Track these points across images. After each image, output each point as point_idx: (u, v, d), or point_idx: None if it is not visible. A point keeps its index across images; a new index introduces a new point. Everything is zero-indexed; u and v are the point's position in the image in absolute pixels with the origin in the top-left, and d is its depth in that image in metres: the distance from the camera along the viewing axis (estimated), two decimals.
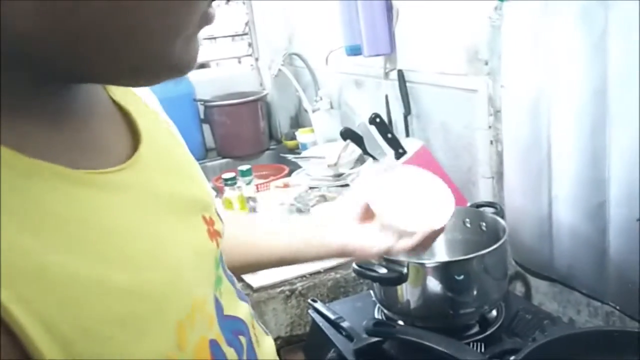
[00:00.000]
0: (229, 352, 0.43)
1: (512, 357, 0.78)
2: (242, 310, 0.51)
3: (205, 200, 0.50)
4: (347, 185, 1.69)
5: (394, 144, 1.29)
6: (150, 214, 0.40)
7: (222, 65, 2.52)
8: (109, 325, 0.33)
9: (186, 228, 0.44)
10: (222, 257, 0.52)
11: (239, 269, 0.79)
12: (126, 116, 0.45)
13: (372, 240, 0.76)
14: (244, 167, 1.64)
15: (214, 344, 0.41)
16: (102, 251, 0.34)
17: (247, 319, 0.51)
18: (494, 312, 1.02)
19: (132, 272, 0.36)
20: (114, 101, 0.46)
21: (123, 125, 0.45)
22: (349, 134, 1.33)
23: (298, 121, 2.41)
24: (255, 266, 0.82)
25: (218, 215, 0.53)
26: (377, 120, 1.29)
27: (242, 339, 0.47)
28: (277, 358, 0.57)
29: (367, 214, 0.78)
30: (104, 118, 0.42)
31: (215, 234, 0.49)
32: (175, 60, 0.37)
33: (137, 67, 0.36)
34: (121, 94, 0.46)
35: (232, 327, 0.46)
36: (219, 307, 0.45)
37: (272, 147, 2.34)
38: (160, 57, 0.36)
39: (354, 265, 0.97)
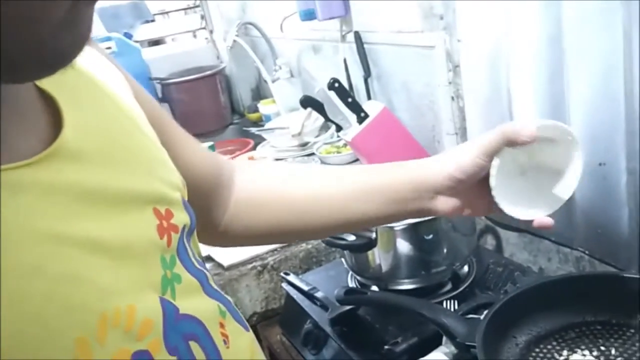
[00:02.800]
0: None
1: (485, 312, 0.78)
2: (207, 308, 0.46)
3: (162, 192, 0.45)
4: (312, 154, 1.67)
5: (355, 108, 1.26)
6: (54, 215, 0.36)
7: (177, 41, 2.45)
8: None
9: (119, 226, 0.40)
10: (187, 251, 0.47)
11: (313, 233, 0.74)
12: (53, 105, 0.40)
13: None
14: (207, 144, 1.60)
15: (141, 355, 0.37)
16: None
17: (213, 318, 0.46)
18: (465, 268, 1.02)
19: (12, 284, 0.32)
20: (39, 88, 0.41)
21: (44, 117, 0.40)
22: (308, 102, 1.30)
23: (259, 93, 2.36)
24: (342, 227, 0.72)
25: (185, 206, 0.48)
26: (336, 85, 1.26)
27: (194, 344, 0.42)
28: (254, 357, 0.52)
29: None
30: (12, 109, 0.37)
31: (170, 229, 0.44)
32: (46, 52, 0.32)
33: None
34: (57, 79, 0.40)
35: (185, 330, 0.42)
36: (168, 310, 0.41)
37: (235, 121, 2.30)
38: (24, 50, 0.31)
39: None
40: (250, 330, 0.52)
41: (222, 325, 0.47)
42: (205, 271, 0.49)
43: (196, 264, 0.48)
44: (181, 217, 0.47)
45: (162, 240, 0.43)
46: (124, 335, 0.36)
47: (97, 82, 0.46)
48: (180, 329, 0.41)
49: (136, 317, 0.38)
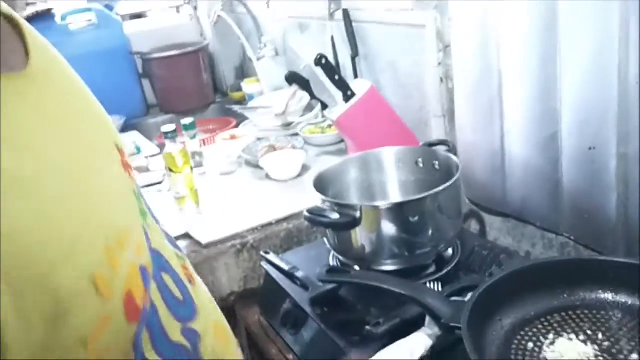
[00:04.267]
0: (153, 285, 0.43)
1: (470, 294, 0.76)
2: (167, 249, 0.50)
3: (114, 130, 0.49)
4: (296, 134, 1.63)
5: (342, 86, 1.23)
6: (60, 127, 0.40)
7: (160, 16, 2.38)
8: (36, 234, 0.33)
9: (100, 152, 0.44)
10: (141, 192, 0.51)
11: None
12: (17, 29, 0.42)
13: None
14: (187, 121, 1.55)
15: (144, 272, 0.42)
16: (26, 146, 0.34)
17: (173, 260, 0.50)
18: (450, 251, 1.00)
19: (56, 178, 0.36)
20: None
21: (14, 37, 0.42)
22: (294, 78, 1.27)
23: (243, 71, 2.31)
24: None
25: None
26: (323, 61, 1.22)
27: (165, 276, 0.46)
28: (214, 303, 0.57)
29: None
30: None
31: (128, 166, 0.48)
32: None
33: None
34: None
35: (157, 262, 0.46)
36: (147, 238, 0.45)
37: (218, 100, 2.25)
38: None
39: (305, 212, 0.93)
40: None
41: (184, 268, 0.52)
42: (157, 219, 0.54)
43: (149, 205, 0.53)
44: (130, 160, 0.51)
45: (127, 174, 0.47)
46: (132, 251, 0.41)
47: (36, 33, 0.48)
48: (154, 259, 0.45)
49: (136, 237, 0.43)
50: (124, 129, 2.00)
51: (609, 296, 0.75)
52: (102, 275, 0.36)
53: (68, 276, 0.34)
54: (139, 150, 1.70)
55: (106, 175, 0.43)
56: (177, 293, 0.47)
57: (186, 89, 2.12)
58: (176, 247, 0.54)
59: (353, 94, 1.26)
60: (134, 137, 1.89)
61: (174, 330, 0.45)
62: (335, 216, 0.91)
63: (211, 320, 0.52)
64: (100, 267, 0.37)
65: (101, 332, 0.36)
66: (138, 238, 0.43)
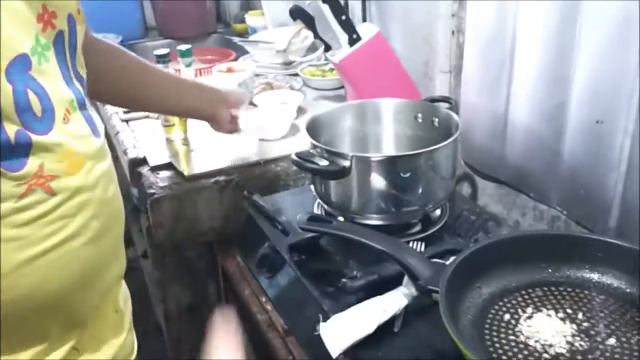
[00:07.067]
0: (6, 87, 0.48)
1: (453, 257, 0.74)
2: (61, 92, 0.54)
3: None
4: (296, 74, 1.57)
5: (348, 27, 1.17)
6: None
7: None
8: None
9: None
10: (65, 57, 0.56)
11: (122, 100, 0.99)
12: None
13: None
14: (183, 47, 1.48)
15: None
16: None
17: (61, 101, 0.53)
18: (438, 212, 0.97)
19: None
20: None
21: None
22: (298, 13, 1.20)
23: (248, 3, 2.22)
24: (139, 107, 1.17)
25: (70, 20, 0.57)
26: None
27: (32, 96, 0.50)
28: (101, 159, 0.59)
29: None
30: None
31: (49, 23, 0.53)
32: None
33: None
34: None
35: (29, 83, 0.50)
36: (24, 61, 0.49)
37: (219, 30, 2.16)
38: None
39: (293, 156, 0.89)
40: (102, 138, 0.60)
41: (67, 111, 0.54)
42: (82, 90, 0.58)
43: (74, 78, 0.57)
44: (62, 25, 0.55)
45: (39, 24, 0.52)
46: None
47: None
48: (25, 79, 0.49)
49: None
50: None
51: (594, 276, 0.73)
52: None
53: None
54: None
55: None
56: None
57: (188, 14, 2.04)
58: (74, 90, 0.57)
59: (359, 38, 1.19)
60: None
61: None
62: (324, 163, 0.87)
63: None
64: None
65: None
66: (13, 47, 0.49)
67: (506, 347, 0.64)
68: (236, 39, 1.75)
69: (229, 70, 1.56)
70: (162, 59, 1.19)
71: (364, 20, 1.35)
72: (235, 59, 1.75)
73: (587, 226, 0.93)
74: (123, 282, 0.71)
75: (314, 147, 0.90)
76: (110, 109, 1.44)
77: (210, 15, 2.12)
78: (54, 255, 0.53)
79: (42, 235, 0.52)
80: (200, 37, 2.07)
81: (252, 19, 1.92)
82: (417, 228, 0.93)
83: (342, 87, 1.43)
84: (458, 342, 0.58)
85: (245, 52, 1.75)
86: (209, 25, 2.12)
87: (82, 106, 0.57)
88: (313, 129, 0.96)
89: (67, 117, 0.54)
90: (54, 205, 0.52)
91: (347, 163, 0.86)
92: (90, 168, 0.56)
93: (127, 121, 1.37)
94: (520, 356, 0.63)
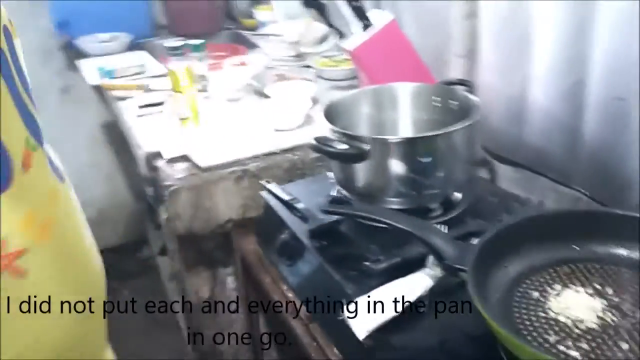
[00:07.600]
0: None
1: (476, 239, 0.73)
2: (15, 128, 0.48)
3: None
4: (308, 66, 1.57)
5: (360, 13, 1.16)
6: None
7: None
8: None
9: None
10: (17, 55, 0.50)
11: None
12: None
13: None
14: (197, 42, 1.49)
15: None
16: None
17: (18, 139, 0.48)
18: (459, 195, 0.96)
19: None
20: None
21: None
22: (310, 2, 1.19)
23: None
24: None
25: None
26: None
27: None
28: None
29: None
30: None
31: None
32: None
33: None
34: None
35: None
36: None
37: (228, 26, 2.16)
38: None
39: (312, 140, 0.88)
40: (66, 183, 0.54)
41: (27, 155, 0.48)
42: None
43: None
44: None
45: None
46: None
47: None
48: None
49: None
50: (131, 48, 1.94)
51: (622, 252, 0.71)
52: None
53: None
54: (142, 70, 1.64)
55: None
56: None
57: (197, 11, 2.04)
58: (33, 126, 0.50)
59: (370, 24, 1.18)
60: (141, 56, 1.83)
61: None
62: (343, 147, 0.86)
63: None
64: None
65: None
66: None
67: (536, 324, 0.63)
68: (247, 33, 1.75)
69: (242, 64, 1.56)
70: (174, 51, 1.19)
71: (377, 7, 1.34)
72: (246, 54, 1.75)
73: (611, 206, 0.91)
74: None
75: (333, 132, 0.90)
76: (122, 104, 1.44)
77: (220, 12, 2.12)
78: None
79: None
80: (211, 34, 2.06)
81: (260, 13, 1.92)
82: (439, 211, 0.92)
83: (355, 77, 1.42)
84: (488, 318, 0.58)
85: (256, 47, 1.74)
86: (218, 22, 2.12)
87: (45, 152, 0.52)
88: (330, 114, 0.96)
89: (27, 167, 0.49)
90: None
91: (366, 146, 0.85)
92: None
93: (140, 116, 1.37)
94: (550, 332, 0.62)
